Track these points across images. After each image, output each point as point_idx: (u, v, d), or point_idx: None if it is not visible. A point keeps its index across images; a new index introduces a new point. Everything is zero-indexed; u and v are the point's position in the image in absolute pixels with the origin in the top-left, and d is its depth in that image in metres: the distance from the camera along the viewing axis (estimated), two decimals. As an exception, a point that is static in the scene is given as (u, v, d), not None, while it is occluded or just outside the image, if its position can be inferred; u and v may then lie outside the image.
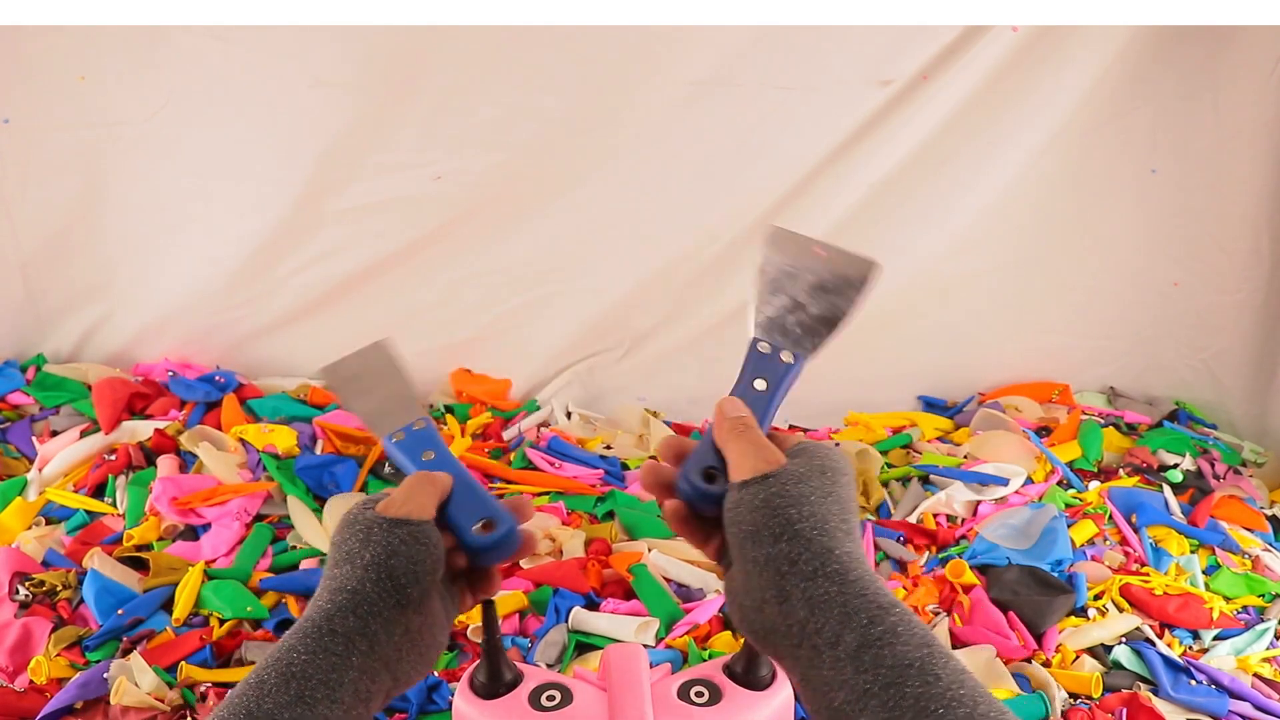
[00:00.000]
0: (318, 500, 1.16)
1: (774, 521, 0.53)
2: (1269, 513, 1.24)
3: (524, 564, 1.06)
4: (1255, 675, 0.97)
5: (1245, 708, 0.92)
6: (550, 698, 0.67)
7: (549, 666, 0.91)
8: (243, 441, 1.26)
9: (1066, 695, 0.92)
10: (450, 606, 0.63)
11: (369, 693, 0.54)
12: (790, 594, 0.51)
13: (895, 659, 0.48)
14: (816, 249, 0.70)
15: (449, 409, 1.41)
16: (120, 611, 0.95)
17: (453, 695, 0.81)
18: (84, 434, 1.28)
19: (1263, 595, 1.08)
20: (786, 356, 0.66)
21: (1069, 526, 1.16)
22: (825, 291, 0.69)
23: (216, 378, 1.38)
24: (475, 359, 1.47)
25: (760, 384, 0.66)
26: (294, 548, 1.10)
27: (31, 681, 0.88)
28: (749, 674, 0.69)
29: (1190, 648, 1.01)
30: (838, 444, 1.33)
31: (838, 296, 0.69)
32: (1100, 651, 0.99)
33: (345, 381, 0.75)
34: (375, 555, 0.59)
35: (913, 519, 1.18)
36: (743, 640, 0.74)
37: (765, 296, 0.69)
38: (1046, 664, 0.96)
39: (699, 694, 0.68)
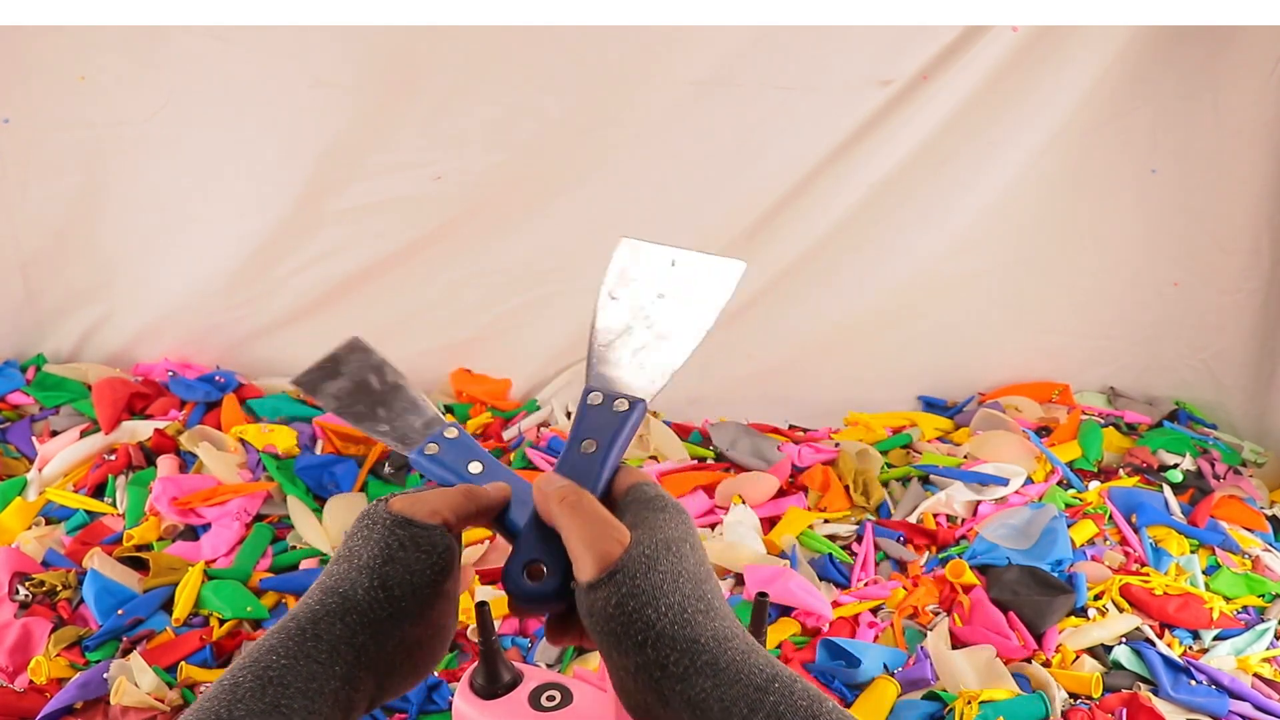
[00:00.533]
0: (318, 500, 1.16)
1: (634, 628, 0.49)
2: (1269, 513, 1.24)
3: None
4: (1255, 675, 0.97)
5: (1245, 708, 0.92)
6: (550, 698, 0.67)
7: (549, 666, 0.90)
8: (243, 441, 1.26)
9: (1066, 695, 0.92)
10: (449, 610, 0.58)
11: (351, 702, 0.51)
12: (669, 698, 0.49)
13: None
14: (671, 260, 0.65)
15: (449, 409, 1.41)
16: (120, 611, 0.95)
17: (453, 695, 0.82)
18: (84, 434, 1.28)
19: (1263, 595, 1.08)
20: (620, 405, 0.60)
21: (1069, 526, 1.16)
22: (675, 310, 0.64)
23: (216, 378, 1.38)
24: (475, 359, 1.47)
25: (589, 445, 0.60)
26: (294, 548, 1.10)
27: (31, 681, 0.88)
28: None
29: (1190, 648, 1.01)
30: (837, 444, 1.33)
31: (689, 316, 0.63)
32: (1100, 651, 0.99)
33: (338, 398, 0.70)
34: (372, 558, 0.55)
35: (913, 519, 1.18)
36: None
37: (606, 323, 0.64)
38: (1046, 664, 0.96)
39: (699, 694, 0.68)
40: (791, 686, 0.46)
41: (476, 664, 0.68)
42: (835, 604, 1.02)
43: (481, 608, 0.65)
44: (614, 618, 0.49)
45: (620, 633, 0.49)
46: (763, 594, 0.65)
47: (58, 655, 0.91)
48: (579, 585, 0.51)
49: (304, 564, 1.06)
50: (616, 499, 0.56)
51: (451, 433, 0.65)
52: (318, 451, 1.27)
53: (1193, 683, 0.94)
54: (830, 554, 1.10)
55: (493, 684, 0.67)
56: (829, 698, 0.46)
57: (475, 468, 0.62)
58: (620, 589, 0.49)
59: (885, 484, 1.27)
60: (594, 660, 0.93)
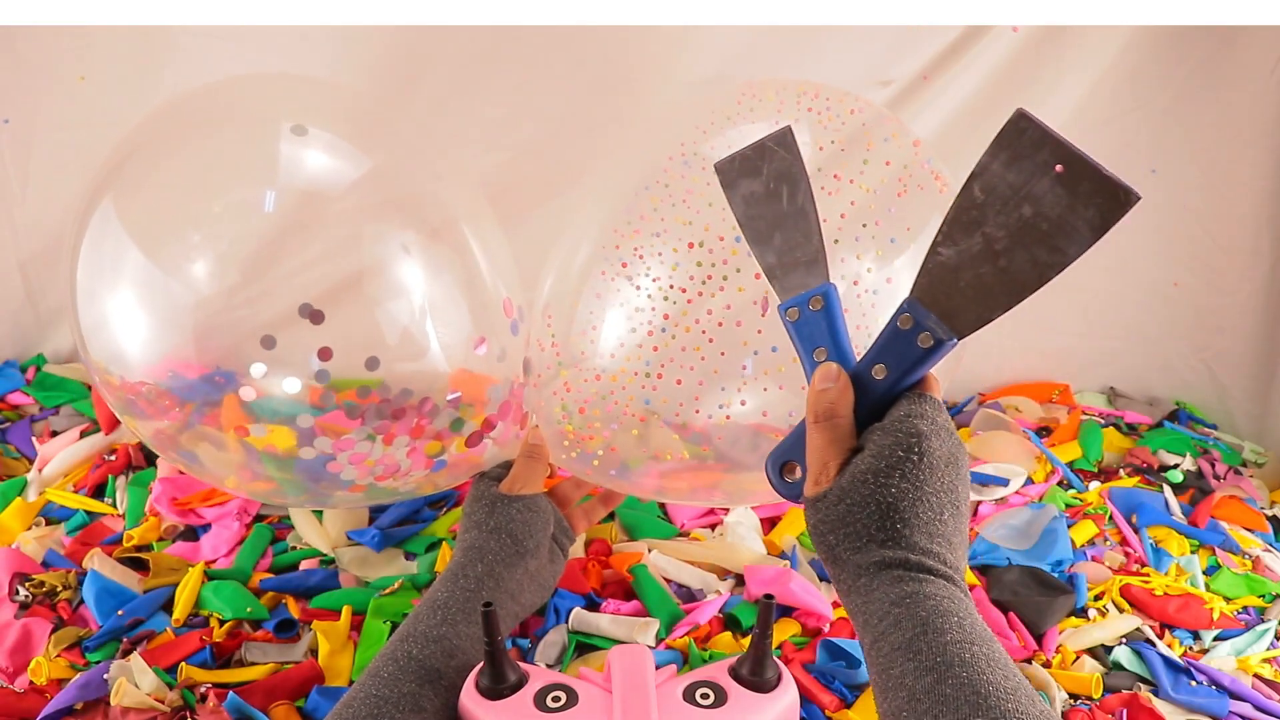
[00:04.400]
0: (318, 500, 1.16)
1: (823, 544, 0.61)
2: (1269, 513, 1.24)
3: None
4: (1255, 676, 0.97)
5: (1245, 708, 0.92)
6: (555, 699, 0.67)
7: (549, 666, 0.90)
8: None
9: (1067, 696, 0.92)
10: (557, 553, 0.89)
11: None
12: (844, 604, 0.62)
13: (904, 644, 0.55)
14: (1058, 164, 0.54)
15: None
16: (120, 612, 0.95)
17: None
18: (84, 434, 1.28)
19: (1263, 596, 1.08)
20: (925, 340, 0.57)
21: (1069, 527, 1.16)
22: (1038, 236, 0.54)
23: (216, 378, 1.38)
24: (476, 359, 1.46)
25: (879, 371, 0.59)
26: (294, 548, 1.10)
27: (31, 682, 0.88)
28: (754, 676, 0.69)
29: (1190, 648, 1.01)
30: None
31: (1049, 248, 0.55)
32: (1100, 652, 0.99)
33: (747, 203, 0.65)
34: (499, 522, 0.83)
35: (913, 519, 1.18)
36: (748, 641, 0.74)
37: (953, 232, 0.56)
38: (1047, 665, 0.96)
39: (704, 695, 0.68)
40: (914, 612, 0.55)
41: (482, 665, 0.68)
42: (836, 604, 1.02)
43: (487, 610, 0.65)
44: (813, 534, 0.61)
45: (817, 546, 0.61)
46: (769, 595, 0.65)
47: (58, 656, 0.90)
48: (803, 497, 0.63)
49: (304, 564, 1.06)
50: (885, 420, 0.61)
51: (817, 303, 0.62)
52: (307, 456, 1.26)
53: (1193, 683, 0.94)
54: (831, 554, 1.10)
55: (498, 684, 0.67)
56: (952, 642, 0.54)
57: (820, 355, 0.62)
58: (817, 514, 0.61)
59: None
60: (595, 661, 0.93)
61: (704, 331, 0.85)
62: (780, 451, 0.64)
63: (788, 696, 0.70)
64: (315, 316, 0.86)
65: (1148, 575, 1.10)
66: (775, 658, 0.71)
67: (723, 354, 0.85)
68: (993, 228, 0.55)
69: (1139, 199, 0.53)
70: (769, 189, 0.65)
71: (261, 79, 1.02)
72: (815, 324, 0.62)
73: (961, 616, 0.55)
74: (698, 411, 0.90)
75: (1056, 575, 1.07)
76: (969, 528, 0.61)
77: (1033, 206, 0.54)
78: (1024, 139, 0.54)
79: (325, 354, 0.88)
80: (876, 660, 0.56)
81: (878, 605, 0.56)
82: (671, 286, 0.85)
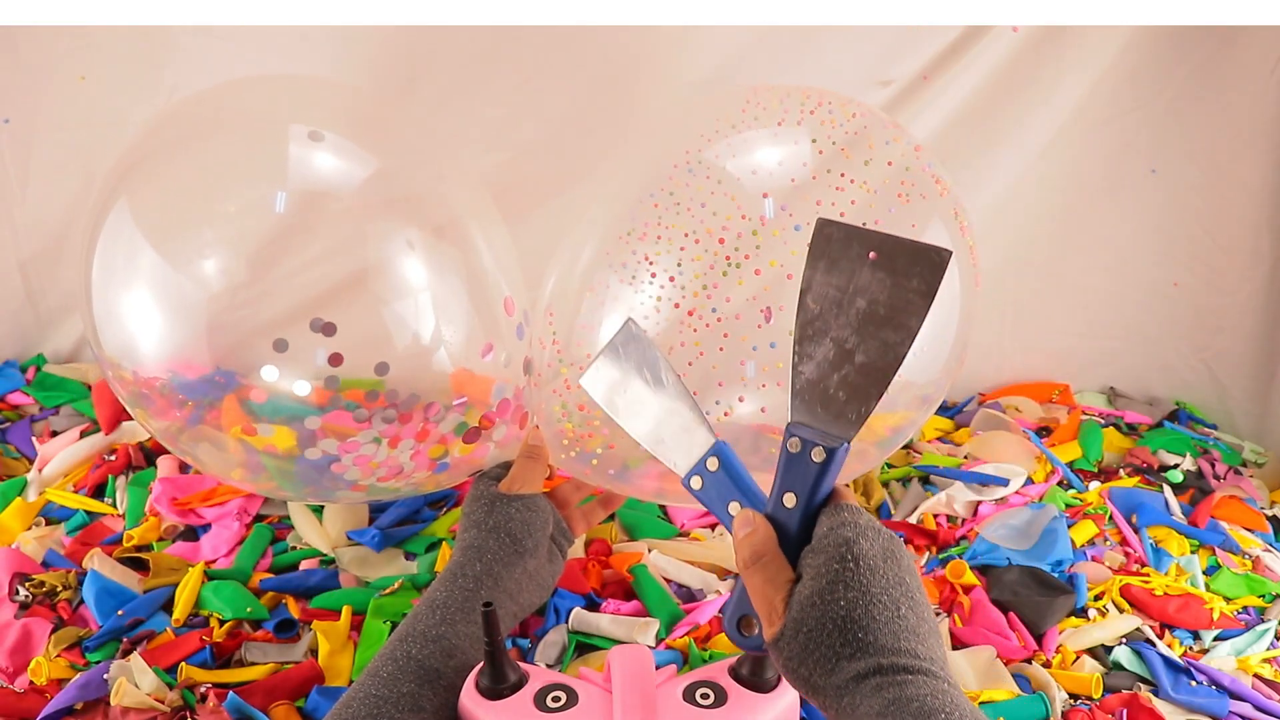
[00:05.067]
0: (318, 500, 1.16)
1: (797, 679, 0.59)
2: (1269, 513, 1.24)
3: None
4: (1255, 676, 0.97)
5: (1245, 708, 0.92)
6: (555, 699, 0.67)
7: (549, 666, 0.90)
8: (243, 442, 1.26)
9: (1067, 696, 0.92)
10: (555, 553, 0.88)
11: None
12: None
13: None
14: (870, 252, 0.57)
15: (449, 408, 1.40)
16: (120, 612, 0.95)
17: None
18: (84, 434, 1.28)
19: (1263, 596, 1.08)
20: (818, 455, 0.59)
21: (1069, 527, 1.16)
22: (877, 322, 0.57)
23: (217, 378, 1.38)
24: (476, 359, 1.46)
25: (789, 499, 0.61)
26: (294, 548, 1.10)
27: (31, 682, 0.88)
28: (754, 676, 0.69)
29: (1190, 648, 1.01)
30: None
31: (894, 327, 0.57)
32: (1100, 652, 0.99)
33: (612, 398, 0.69)
34: (497, 521, 0.83)
35: (913, 519, 1.18)
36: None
37: (805, 348, 0.59)
38: (1047, 665, 0.96)
39: (704, 696, 0.68)
40: (902, 717, 0.53)
41: (482, 665, 0.68)
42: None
43: (487, 610, 0.65)
44: (786, 674, 0.60)
45: (794, 684, 0.60)
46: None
47: (58, 656, 0.90)
48: (765, 644, 0.61)
49: (304, 564, 1.06)
50: (813, 541, 0.61)
51: (713, 465, 0.65)
52: (310, 456, 1.27)
53: (1193, 683, 0.94)
54: (831, 554, 1.10)
55: (498, 684, 0.67)
56: None
57: (734, 508, 0.64)
58: (782, 654, 0.59)
59: (885, 484, 1.27)
60: (595, 661, 0.93)
61: (706, 330, 0.85)
62: (731, 612, 0.64)
63: (788, 696, 0.70)
64: (328, 329, 0.86)
65: (1148, 575, 1.10)
66: (775, 658, 0.71)
67: (721, 349, 0.86)
68: (837, 330, 0.58)
69: (950, 254, 0.55)
70: (633, 380, 0.68)
71: (268, 80, 1.03)
72: (719, 483, 0.65)
73: (949, 712, 0.53)
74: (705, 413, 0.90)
75: (1056, 575, 1.07)
76: (931, 614, 0.60)
77: (864, 298, 0.57)
78: (832, 243, 0.58)
79: (336, 360, 0.88)
80: None
81: (864, 719, 0.55)
82: (672, 281, 0.85)
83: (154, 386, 0.92)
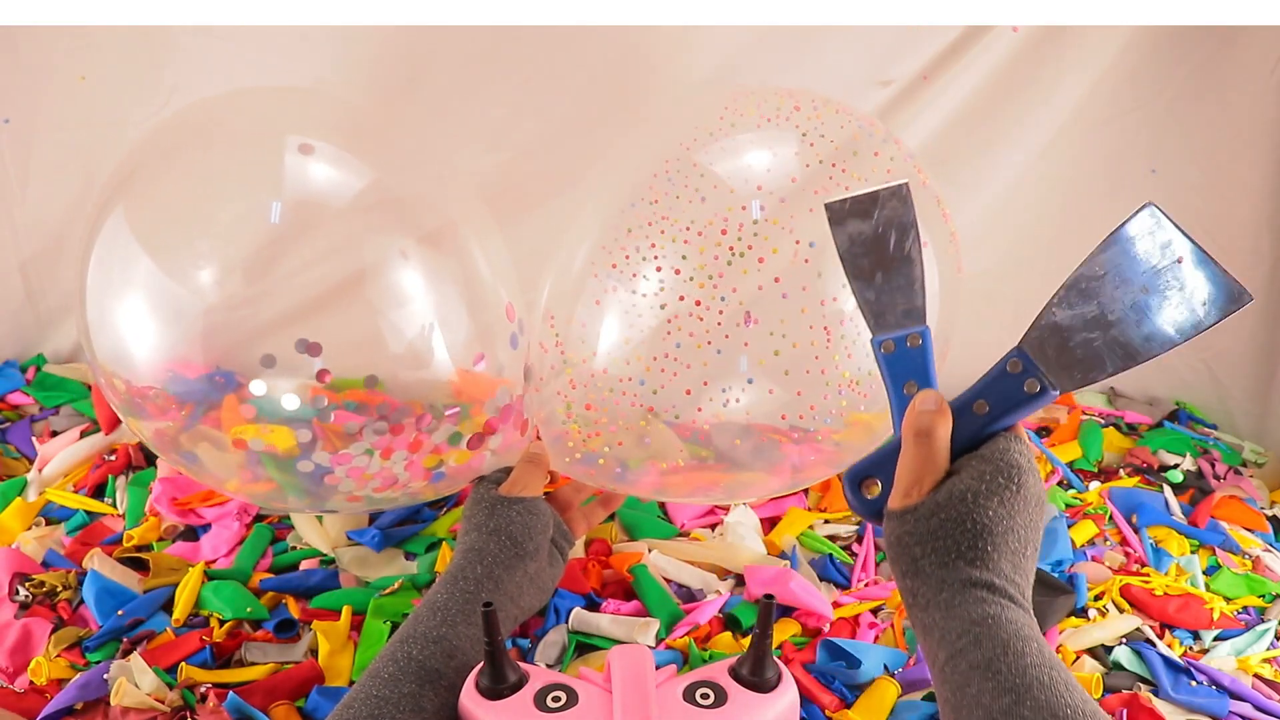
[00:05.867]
0: (318, 500, 1.16)
1: (903, 559, 0.60)
2: (1269, 513, 1.24)
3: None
4: (1255, 676, 0.97)
5: (1245, 708, 0.92)
6: (556, 699, 0.67)
7: (549, 666, 0.90)
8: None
9: (1068, 696, 0.92)
10: (556, 557, 0.88)
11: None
12: (914, 620, 0.61)
13: (971, 660, 0.55)
14: (1180, 253, 0.60)
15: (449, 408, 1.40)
16: (120, 612, 0.95)
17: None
18: (84, 434, 1.28)
19: (1263, 596, 1.08)
20: (1031, 386, 0.61)
21: (1069, 527, 1.16)
22: (1150, 314, 0.59)
23: (216, 378, 1.38)
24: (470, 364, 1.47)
25: (981, 406, 0.62)
26: (294, 548, 1.10)
27: (31, 682, 0.88)
28: (755, 676, 0.69)
29: (1190, 648, 1.01)
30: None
31: (1159, 327, 0.59)
32: (1100, 652, 0.99)
33: (852, 241, 0.68)
34: (498, 524, 0.83)
35: (913, 519, 1.18)
36: (748, 642, 0.74)
37: (1070, 297, 0.62)
38: (1047, 664, 0.96)
39: (704, 696, 0.68)
40: (995, 633, 0.55)
41: (482, 665, 0.68)
42: (836, 604, 1.02)
43: (487, 610, 0.65)
44: (893, 545, 0.61)
45: (897, 557, 0.61)
46: (769, 596, 0.65)
47: (58, 656, 0.90)
48: (887, 511, 0.63)
49: (304, 564, 1.06)
50: (979, 449, 0.62)
51: (915, 341, 0.66)
52: (315, 462, 1.27)
53: (1193, 683, 0.94)
54: (831, 554, 1.10)
55: (498, 684, 0.67)
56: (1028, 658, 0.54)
57: (910, 388, 0.65)
58: (904, 525, 0.60)
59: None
60: (595, 661, 0.93)
61: (703, 331, 0.85)
62: (860, 468, 0.66)
63: (788, 696, 0.70)
64: (313, 349, 0.86)
65: (1148, 575, 1.10)
66: (775, 658, 0.71)
67: (720, 353, 0.86)
68: (1108, 301, 0.60)
69: (1251, 299, 0.58)
70: (877, 233, 0.69)
71: (264, 92, 1.03)
72: (910, 359, 0.66)
73: (1040, 644, 0.55)
74: (699, 410, 0.91)
75: (1056, 575, 1.07)
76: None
77: (1150, 288, 0.60)
78: (1151, 228, 0.62)
79: (323, 376, 0.88)
80: (951, 677, 0.56)
81: (958, 622, 0.56)
82: (677, 274, 0.86)
83: (147, 395, 0.92)
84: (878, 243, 0.68)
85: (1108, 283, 0.61)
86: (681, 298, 0.86)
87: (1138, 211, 0.63)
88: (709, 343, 0.86)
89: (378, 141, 1.01)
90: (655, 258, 0.86)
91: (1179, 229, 0.61)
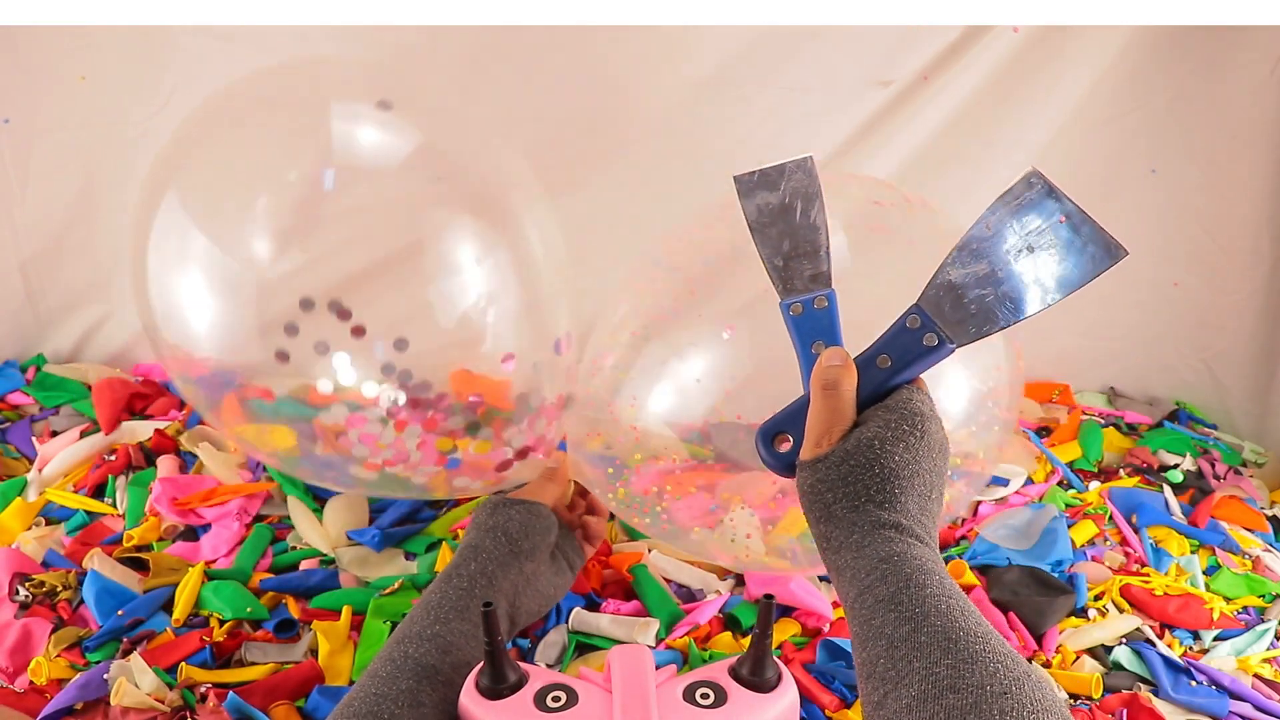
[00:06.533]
0: (318, 500, 1.16)
1: (816, 506, 0.63)
2: (1269, 513, 1.24)
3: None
4: (1255, 676, 0.97)
5: (1245, 708, 0.92)
6: (555, 698, 0.67)
7: (549, 666, 0.90)
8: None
9: (1067, 696, 0.92)
10: (561, 565, 0.89)
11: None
12: (828, 563, 0.64)
13: (880, 594, 0.58)
14: (1061, 216, 0.65)
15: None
16: (120, 612, 0.95)
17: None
18: (84, 434, 1.27)
19: (1263, 596, 1.08)
20: (930, 340, 0.64)
21: (1069, 527, 1.16)
22: (1036, 271, 0.64)
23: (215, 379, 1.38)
24: (476, 359, 1.46)
25: (884, 360, 0.66)
26: (294, 548, 1.10)
27: (31, 682, 0.88)
28: (755, 676, 0.69)
29: (1190, 648, 1.01)
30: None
31: (1044, 283, 0.64)
32: (1100, 652, 0.99)
33: (760, 211, 0.72)
34: (496, 522, 0.84)
35: (913, 519, 1.18)
36: (748, 642, 0.74)
37: (962, 257, 0.65)
38: (1047, 665, 0.96)
39: (704, 695, 0.68)
40: (900, 568, 0.58)
41: (482, 665, 0.68)
42: (835, 604, 1.02)
43: (487, 610, 0.65)
44: (807, 494, 0.64)
45: (810, 505, 0.64)
46: (769, 595, 0.65)
47: (58, 656, 0.90)
48: (799, 463, 0.65)
49: (304, 564, 1.06)
50: (884, 400, 0.65)
51: (821, 303, 0.69)
52: (317, 452, 1.27)
53: (1193, 683, 0.95)
54: (831, 554, 1.10)
55: (498, 684, 0.67)
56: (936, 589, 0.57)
57: (818, 348, 0.68)
58: (816, 474, 0.63)
59: None
60: (595, 661, 0.93)
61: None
62: (771, 424, 0.69)
63: (788, 696, 0.70)
64: (343, 313, 0.87)
65: (1148, 575, 1.10)
66: (775, 658, 0.71)
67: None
68: (996, 259, 0.64)
69: (1127, 254, 0.64)
70: (784, 203, 0.72)
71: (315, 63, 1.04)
72: (817, 320, 0.68)
73: (941, 576, 0.58)
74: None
75: (1056, 575, 1.07)
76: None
77: (1036, 248, 0.64)
78: (1033, 190, 0.65)
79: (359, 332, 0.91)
80: (860, 612, 0.59)
81: (867, 560, 0.59)
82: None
83: (209, 367, 0.96)
84: (785, 212, 0.71)
85: (996, 242, 0.64)
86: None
87: (1022, 177, 0.65)
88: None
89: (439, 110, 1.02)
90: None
91: (1060, 192, 0.65)
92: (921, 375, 0.68)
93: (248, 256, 0.90)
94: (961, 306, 0.64)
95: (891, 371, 0.65)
